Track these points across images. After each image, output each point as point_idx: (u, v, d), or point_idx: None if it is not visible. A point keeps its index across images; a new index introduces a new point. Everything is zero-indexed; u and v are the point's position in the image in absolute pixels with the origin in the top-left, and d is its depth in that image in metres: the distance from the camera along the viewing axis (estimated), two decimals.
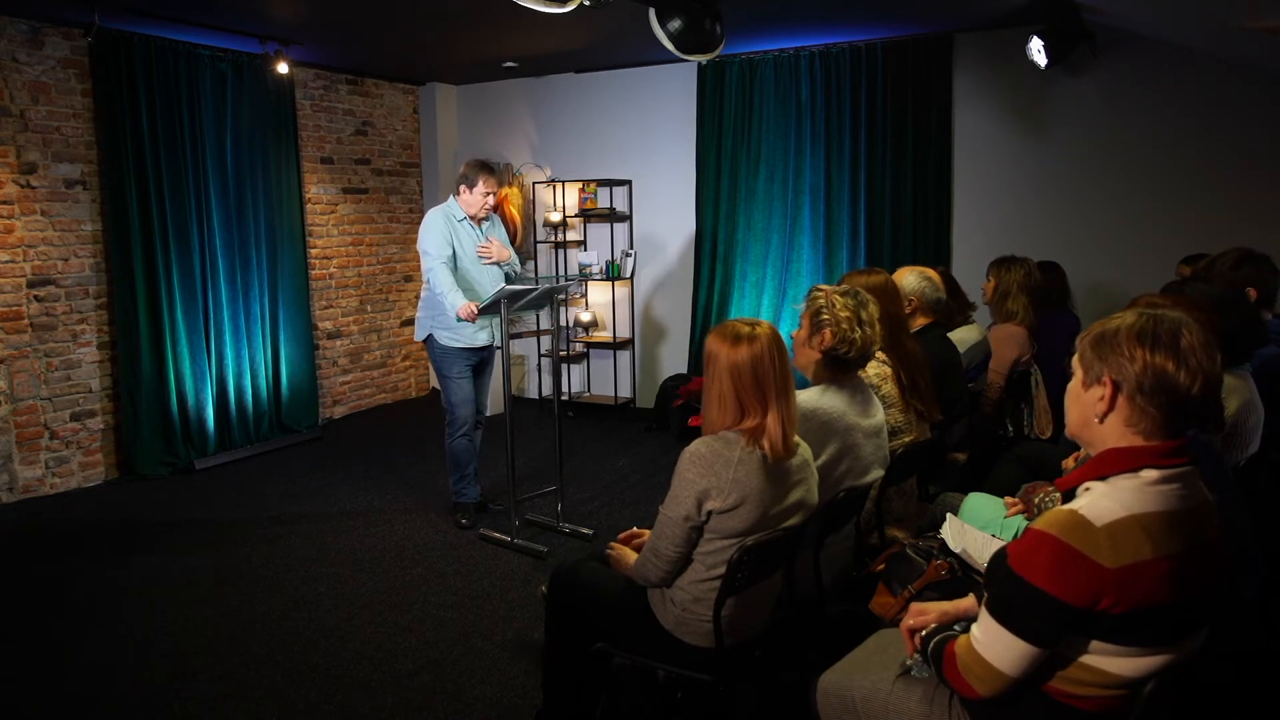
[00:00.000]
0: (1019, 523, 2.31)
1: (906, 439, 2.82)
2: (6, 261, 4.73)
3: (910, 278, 3.43)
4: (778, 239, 6.07)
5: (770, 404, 2.05)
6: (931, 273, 3.52)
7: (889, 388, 2.82)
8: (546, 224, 6.86)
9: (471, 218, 4.25)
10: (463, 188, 4.23)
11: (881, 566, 2.27)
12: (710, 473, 2.04)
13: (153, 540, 4.22)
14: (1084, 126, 5.19)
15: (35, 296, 4.85)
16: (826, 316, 2.45)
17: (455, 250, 4.17)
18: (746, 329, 2.09)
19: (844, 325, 2.43)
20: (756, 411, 2.05)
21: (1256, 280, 3.04)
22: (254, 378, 5.89)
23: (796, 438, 2.14)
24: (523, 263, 4.65)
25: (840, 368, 2.50)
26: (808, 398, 2.43)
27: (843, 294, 2.48)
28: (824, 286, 2.55)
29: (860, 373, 2.63)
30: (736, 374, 2.05)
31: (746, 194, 6.13)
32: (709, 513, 2.05)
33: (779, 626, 2.39)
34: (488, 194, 4.21)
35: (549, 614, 2.49)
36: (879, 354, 2.81)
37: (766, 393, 2.05)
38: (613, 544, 2.48)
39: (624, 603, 2.28)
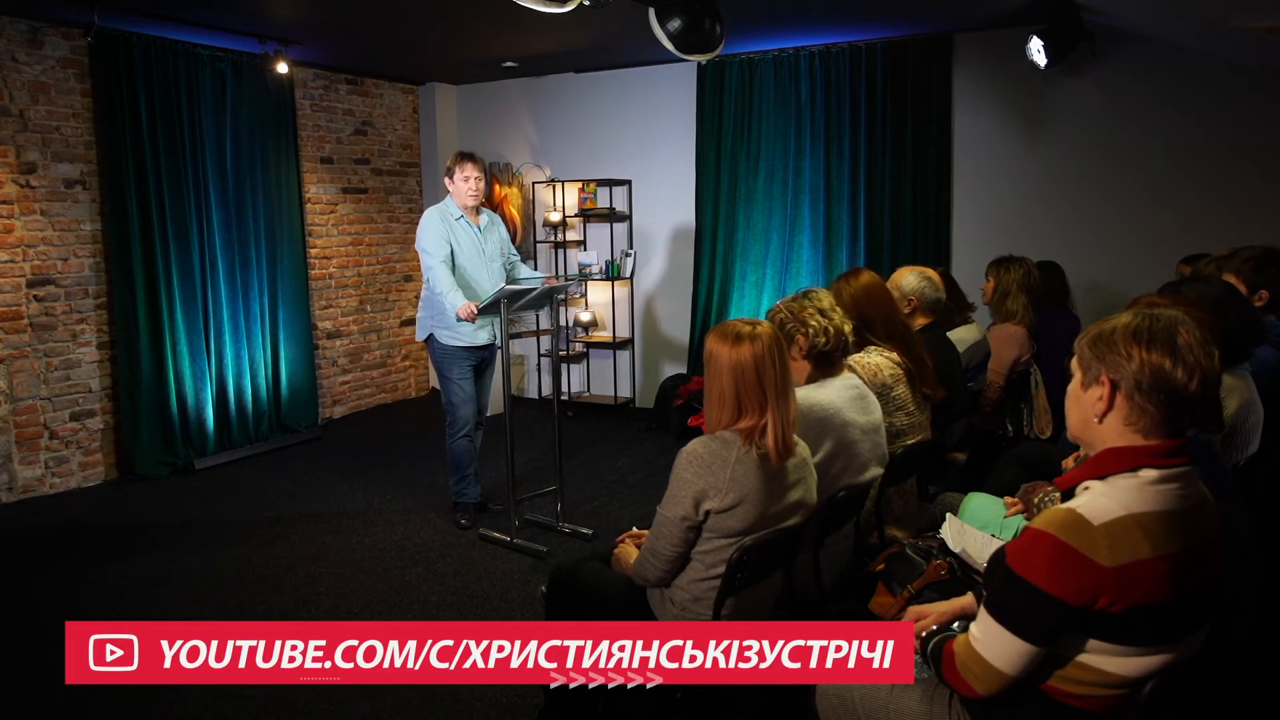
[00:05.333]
0: (1019, 523, 2.31)
1: (913, 440, 2.82)
2: (6, 261, 4.73)
3: (910, 278, 3.44)
4: (778, 239, 6.07)
5: (770, 404, 2.05)
6: (931, 273, 3.53)
7: (901, 389, 2.82)
8: (546, 224, 6.86)
9: (465, 210, 4.24)
10: (446, 181, 4.25)
11: (881, 566, 2.27)
12: (708, 473, 2.04)
13: (153, 540, 4.22)
14: (1084, 126, 5.19)
15: (35, 296, 4.85)
16: (790, 325, 2.49)
17: (453, 249, 4.16)
18: (747, 329, 2.11)
19: (810, 324, 2.48)
20: (755, 411, 2.05)
21: (1272, 284, 3.02)
22: (254, 378, 5.89)
23: (795, 437, 2.14)
24: (523, 261, 4.64)
25: (826, 361, 2.52)
26: (802, 395, 2.44)
27: (791, 300, 2.56)
28: (777, 304, 2.61)
29: (874, 372, 2.67)
30: (738, 372, 2.06)
31: (746, 194, 6.13)
32: (707, 513, 2.05)
33: None
34: (468, 178, 4.17)
35: (549, 614, 2.49)
36: (892, 355, 2.82)
37: (766, 392, 2.05)
38: (621, 538, 2.48)
39: (624, 603, 2.28)
